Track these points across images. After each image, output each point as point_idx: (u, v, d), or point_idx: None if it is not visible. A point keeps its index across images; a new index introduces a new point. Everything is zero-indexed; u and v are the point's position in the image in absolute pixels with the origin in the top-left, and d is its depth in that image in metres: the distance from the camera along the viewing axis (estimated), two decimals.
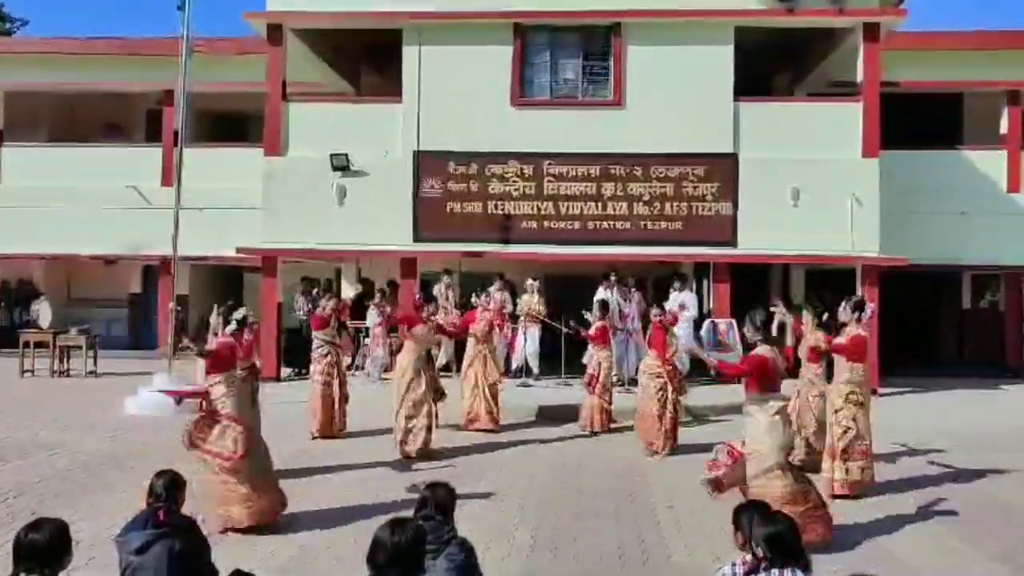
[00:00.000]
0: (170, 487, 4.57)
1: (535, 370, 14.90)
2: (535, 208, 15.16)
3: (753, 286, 16.16)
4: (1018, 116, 17.31)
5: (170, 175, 16.25)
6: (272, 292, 15.25)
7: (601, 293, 14.36)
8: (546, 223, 15.15)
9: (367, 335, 15.29)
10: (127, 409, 11.99)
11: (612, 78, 15.29)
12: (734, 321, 13.87)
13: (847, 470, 8.04)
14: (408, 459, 9.33)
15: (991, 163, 17.16)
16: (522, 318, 14.96)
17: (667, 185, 15.03)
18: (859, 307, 8.35)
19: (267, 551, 6.33)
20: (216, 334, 7.86)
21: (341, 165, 15.17)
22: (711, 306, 15.41)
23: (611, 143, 14.99)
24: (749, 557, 3.85)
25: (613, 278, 14.88)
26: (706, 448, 9.23)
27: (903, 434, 10.51)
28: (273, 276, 15.43)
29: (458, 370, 13.31)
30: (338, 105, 16.74)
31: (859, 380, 8.18)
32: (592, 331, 11.42)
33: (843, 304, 8.45)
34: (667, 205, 15.04)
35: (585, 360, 11.89)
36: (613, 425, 11.25)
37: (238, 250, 15.65)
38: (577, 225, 15.11)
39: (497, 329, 12.79)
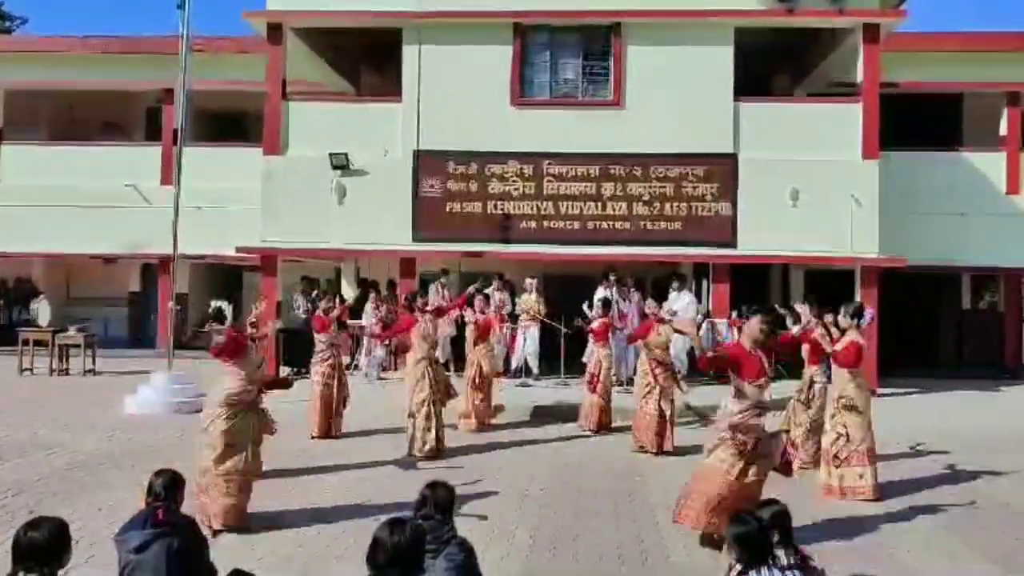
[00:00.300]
0: (169, 486, 4.57)
1: (535, 370, 14.91)
2: (535, 208, 15.16)
3: (752, 287, 16.17)
4: (1018, 117, 17.31)
5: (169, 174, 16.26)
6: (271, 291, 15.24)
7: (601, 293, 14.38)
8: (546, 223, 15.15)
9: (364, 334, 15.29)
10: (126, 408, 11.98)
11: (612, 78, 15.29)
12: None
13: (841, 476, 8.06)
14: (413, 459, 9.34)
15: (991, 164, 17.15)
16: (522, 318, 14.97)
17: (667, 185, 15.04)
18: (858, 313, 8.37)
19: (266, 550, 6.33)
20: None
21: (341, 164, 15.17)
22: (710, 306, 15.41)
23: (611, 143, 14.99)
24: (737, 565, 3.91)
25: (612, 278, 14.90)
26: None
27: (902, 435, 10.52)
28: (272, 275, 15.42)
29: (457, 370, 13.34)
30: (338, 104, 16.73)
31: (854, 385, 8.18)
32: (595, 325, 11.42)
33: (842, 310, 8.47)
34: (667, 205, 15.04)
35: (586, 359, 11.90)
36: (612, 425, 11.25)
37: (237, 249, 15.65)
38: (577, 225, 15.11)
39: (496, 329, 12.80)
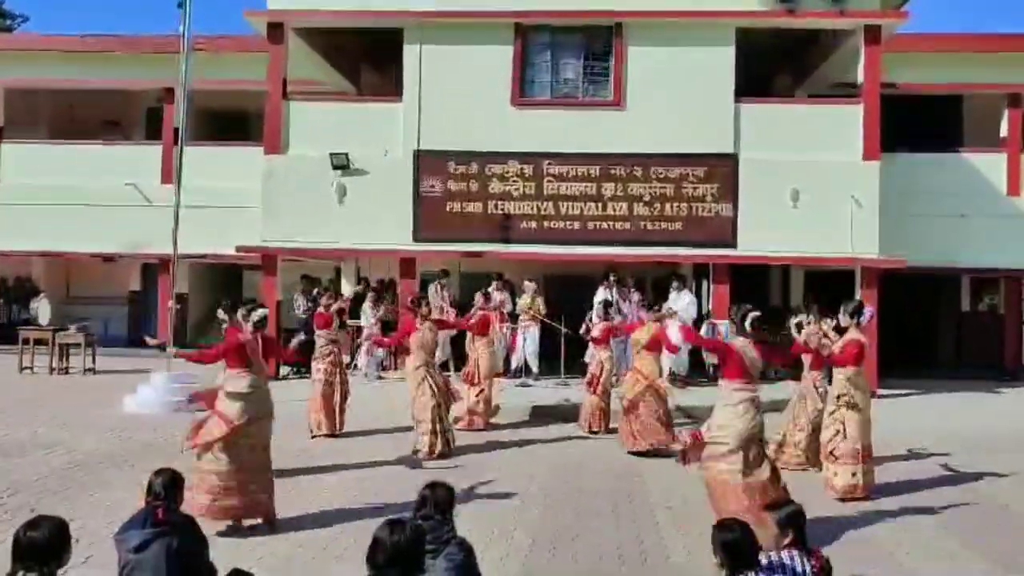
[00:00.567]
0: (169, 485, 4.57)
1: (535, 370, 14.91)
2: (535, 208, 15.16)
3: (752, 287, 16.16)
4: (1018, 119, 17.29)
5: (170, 173, 16.25)
6: (271, 291, 15.24)
7: (601, 293, 14.39)
8: (546, 223, 15.15)
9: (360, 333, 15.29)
10: (126, 407, 11.98)
11: (613, 78, 15.28)
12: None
13: (836, 473, 8.07)
14: (417, 458, 9.37)
15: (991, 165, 17.14)
16: (522, 318, 14.97)
17: (667, 186, 15.03)
18: (857, 311, 8.37)
19: (266, 550, 6.33)
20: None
21: (341, 164, 15.17)
22: (710, 307, 15.41)
23: (611, 143, 14.98)
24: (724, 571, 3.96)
25: (612, 279, 14.89)
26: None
27: (902, 436, 10.50)
28: (273, 275, 15.43)
29: (458, 369, 13.35)
30: (338, 104, 16.73)
31: (854, 383, 8.19)
32: (597, 333, 11.41)
33: (841, 308, 8.48)
34: (667, 206, 15.03)
35: (587, 359, 11.90)
36: (612, 425, 11.24)
37: (238, 248, 15.65)
38: (577, 225, 15.10)
39: (497, 329, 12.81)
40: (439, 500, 4.37)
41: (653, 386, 10.17)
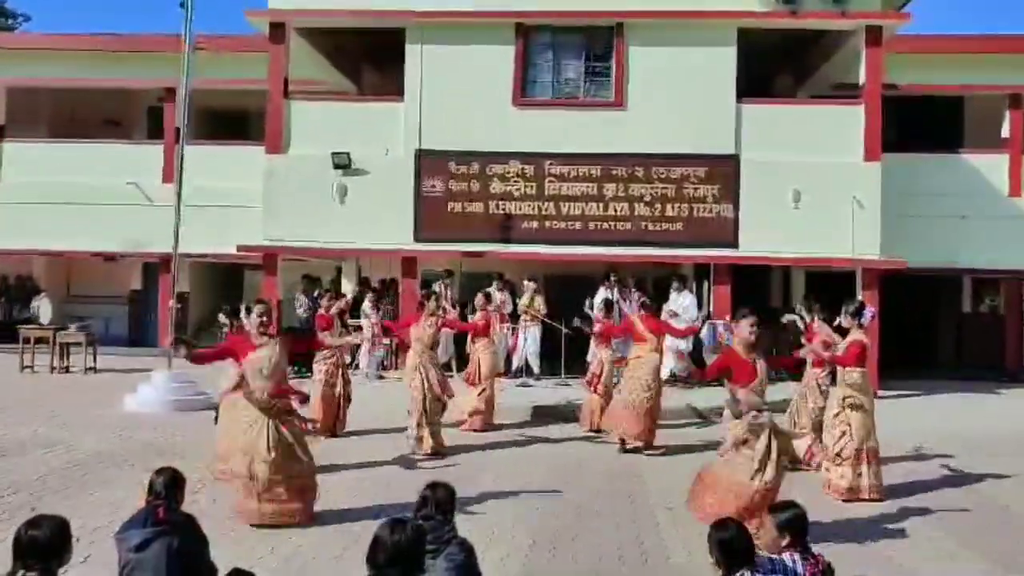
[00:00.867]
0: (170, 485, 4.57)
1: (536, 370, 14.91)
2: (536, 208, 15.16)
3: (753, 288, 16.16)
4: (1020, 120, 17.27)
5: (171, 172, 16.24)
6: (272, 290, 15.24)
7: (602, 294, 14.39)
8: (547, 223, 15.15)
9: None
10: (126, 406, 11.98)
11: (614, 79, 15.29)
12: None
13: (842, 475, 8.06)
14: (414, 457, 9.39)
15: (992, 167, 17.14)
16: (523, 318, 14.98)
17: (668, 186, 15.04)
18: (858, 312, 8.37)
19: (266, 549, 6.33)
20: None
21: (342, 164, 15.17)
22: (711, 308, 15.40)
23: (612, 144, 14.99)
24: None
25: (613, 279, 14.89)
26: (707, 448, 9.30)
27: (903, 437, 10.49)
28: (273, 274, 15.43)
29: (460, 369, 13.35)
30: (340, 103, 16.74)
31: (858, 384, 8.19)
32: (597, 328, 11.41)
33: (843, 309, 8.48)
34: (668, 206, 15.04)
35: (589, 359, 11.89)
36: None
37: (239, 248, 15.66)
38: (578, 225, 15.11)
39: (498, 329, 12.81)
40: (440, 500, 4.37)
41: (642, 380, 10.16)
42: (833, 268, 15.37)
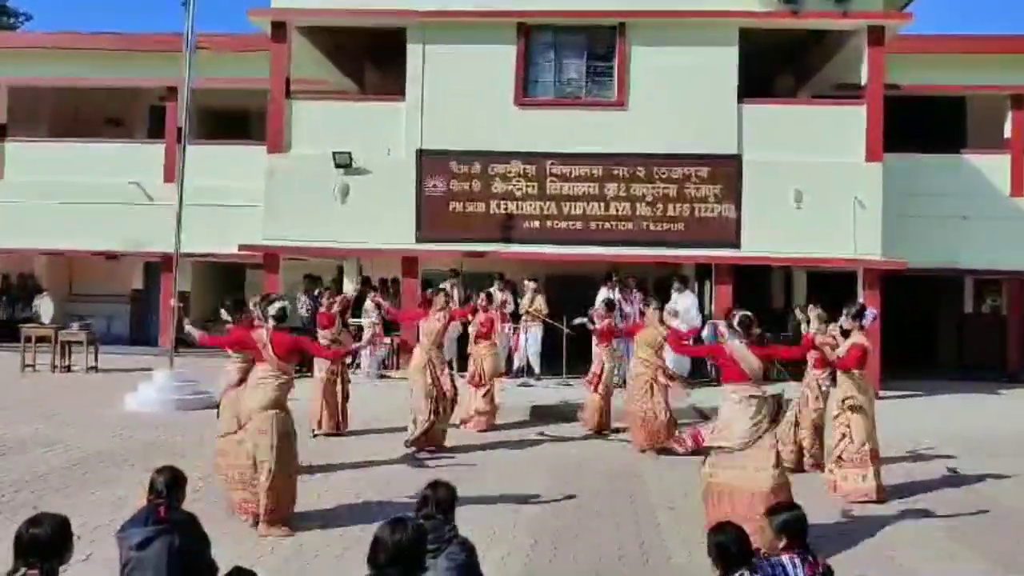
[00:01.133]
0: (171, 484, 4.57)
1: (537, 370, 14.91)
2: (538, 208, 15.16)
3: (755, 288, 16.15)
4: (1022, 120, 17.25)
5: (173, 171, 16.26)
6: (274, 289, 15.20)
7: (604, 294, 14.38)
8: (548, 223, 15.15)
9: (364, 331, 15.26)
10: (127, 405, 11.99)
11: (616, 78, 15.28)
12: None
13: (844, 477, 8.06)
14: (415, 452, 9.47)
15: (994, 167, 17.13)
16: (524, 318, 14.97)
17: (670, 186, 15.03)
18: (860, 313, 8.37)
19: (267, 548, 6.33)
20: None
21: (344, 163, 15.18)
22: (712, 307, 15.40)
23: (614, 144, 14.98)
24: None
25: (615, 279, 14.88)
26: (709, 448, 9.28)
27: (904, 437, 10.49)
28: (275, 273, 15.43)
29: (461, 369, 13.34)
30: (341, 103, 16.73)
31: (858, 385, 8.18)
32: (599, 325, 11.40)
33: (844, 311, 8.48)
34: (670, 206, 15.03)
35: (593, 359, 11.88)
36: (613, 425, 11.23)
37: (240, 247, 15.66)
38: (579, 225, 15.10)
39: (499, 327, 12.80)
40: (441, 500, 4.37)
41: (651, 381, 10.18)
42: (834, 268, 15.36)
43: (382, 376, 14.89)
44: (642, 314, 11.28)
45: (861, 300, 13.32)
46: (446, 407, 9.84)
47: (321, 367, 10.64)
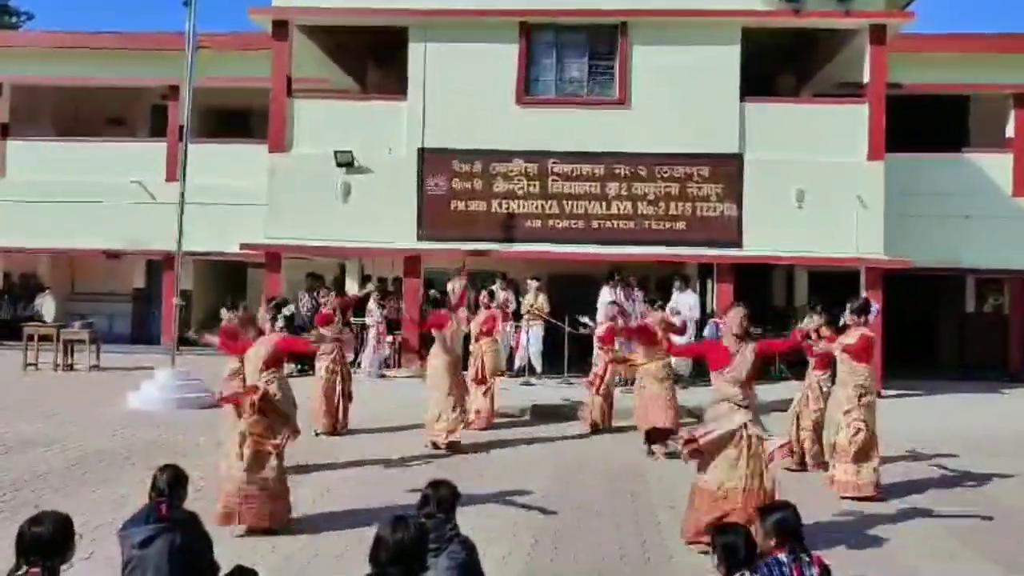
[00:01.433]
0: (173, 482, 4.58)
1: (538, 369, 14.91)
2: (539, 207, 15.17)
3: (757, 287, 16.14)
4: None
5: (175, 170, 16.24)
6: (275, 288, 15.24)
7: (606, 293, 14.36)
8: (550, 222, 15.15)
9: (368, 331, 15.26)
10: (130, 404, 12.00)
11: (617, 77, 15.28)
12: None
13: (858, 471, 8.00)
14: (436, 447, 9.63)
15: (996, 166, 17.13)
16: (526, 317, 14.97)
17: (672, 185, 15.02)
18: (864, 310, 8.35)
19: (268, 547, 6.34)
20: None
21: (345, 162, 15.19)
22: (714, 306, 15.40)
23: (616, 142, 14.98)
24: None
25: (617, 278, 14.88)
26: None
27: (905, 437, 10.49)
28: (276, 272, 15.45)
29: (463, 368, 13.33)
30: (343, 102, 16.75)
31: (867, 381, 8.18)
32: (602, 331, 11.39)
33: (847, 307, 8.46)
34: (672, 205, 15.03)
35: (594, 360, 11.86)
36: (615, 424, 11.23)
37: (242, 246, 15.68)
38: (581, 224, 15.10)
39: (500, 326, 12.80)
40: (442, 498, 4.37)
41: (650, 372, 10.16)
42: (836, 267, 15.35)
43: (382, 376, 14.89)
44: (643, 315, 11.24)
45: (864, 296, 13.30)
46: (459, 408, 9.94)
47: (321, 366, 10.65)
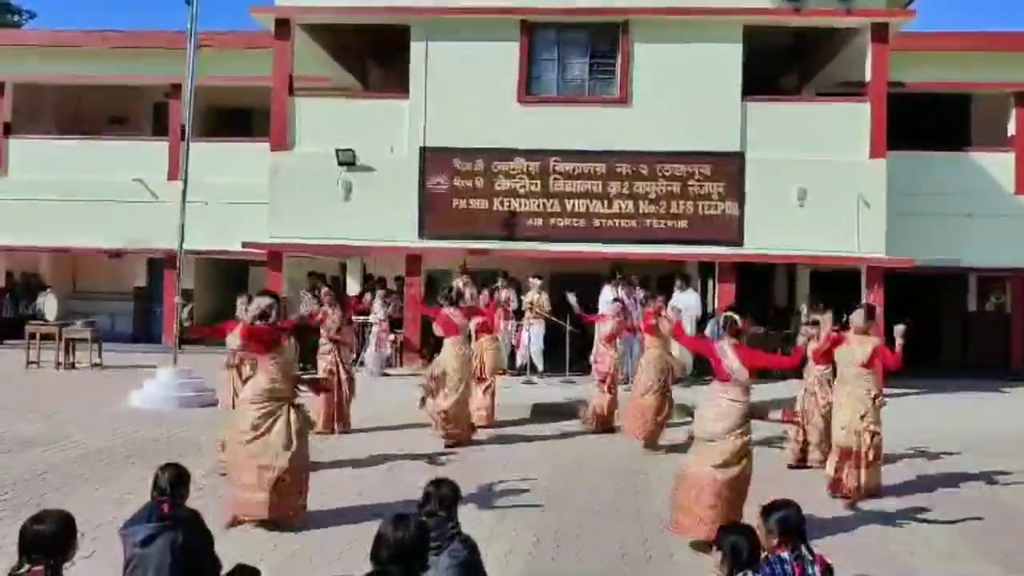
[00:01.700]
0: (175, 481, 4.58)
1: (540, 367, 14.92)
2: (541, 205, 15.16)
3: (758, 286, 16.13)
4: None
5: (176, 169, 16.28)
6: (277, 287, 15.24)
7: (608, 292, 14.37)
8: (552, 220, 15.15)
9: (370, 330, 15.26)
10: (131, 402, 12.02)
11: (619, 76, 15.27)
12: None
13: (870, 475, 7.95)
14: (449, 442, 9.78)
15: (998, 165, 17.12)
16: (527, 315, 14.97)
17: (673, 184, 15.02)
18: (872, 314, 8.41)
19: (270, 545, 6.35)
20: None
21: (347, 160, 15.19)
22: (715, 305, 15.40)
23: (617, 141, 14.98)
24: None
25: (619, 276, 14.88)
26: None
27: (906, 436, 10.47)
28: (278, 271, 15.46)
29: None
30: (345, 100, 16.74)
31: (877, 384, 8.16)
32: (608, 328, 11.38)
33: (856, 311, 8.45)
34: (673, 204, 15.02)
35: (593, 357, 11.86)
36: (616, 424, 11.22)
37: (244, 245, 15.70)
38: (583, 223, 15.10)
39: (500, 325, 12.81)
40: (443, 497, 4.37)
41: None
42: (838, 266, 15.34)
43: (385, 374, 14.89)
44: (647, 313, 11.25)
45: (865, 300, 13.30)
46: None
47: (321, 365, 10.67)
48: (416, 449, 9.60)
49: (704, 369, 14.57)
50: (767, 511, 4.24)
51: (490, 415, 11.32)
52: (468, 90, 15.18)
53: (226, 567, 4.32)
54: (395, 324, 15.57)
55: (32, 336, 15.44)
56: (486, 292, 12.42)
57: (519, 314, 15.17)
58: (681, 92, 14.98)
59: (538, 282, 15.35)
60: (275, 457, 6.72)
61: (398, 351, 15.60)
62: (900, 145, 15.23)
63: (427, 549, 3.68)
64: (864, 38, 15.03)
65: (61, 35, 19.32)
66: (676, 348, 11.48)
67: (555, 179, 15.14)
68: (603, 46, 15.41)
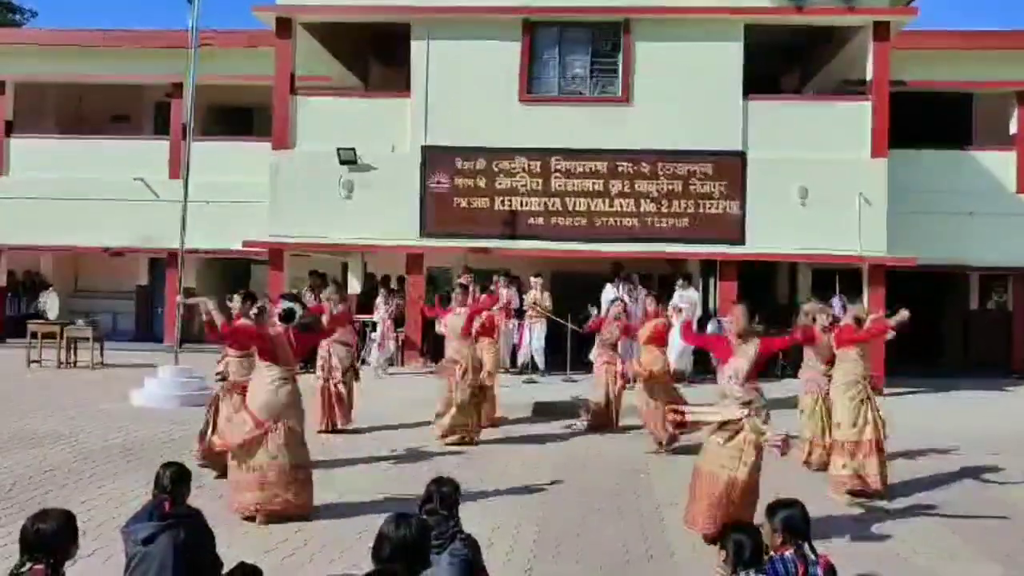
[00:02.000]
0: (176, 479, 4.60)
1: (541, 366, 14.91)
2: (542, 204, 15.16)
3: (760, 285, 16.12)
4: None
5: (178, 167, 16.29)
6: (278, 285, 15.25)
7: (610, 291, 14.36)
8: (553, 219, 15.15)
9: (374, 329, 15.26)
10: (133, 401, 12.03)
11: (620, 75, 15.26)
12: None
13: (883, 463, 7.96)
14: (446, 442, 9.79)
15: (1000, 163, 17.10)
16: (528, 314, 14.97)
17: (675, 183, 15.01)
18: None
19: (271, 544, 6.35)
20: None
21: (348, 159, 15.19)
22: (717, 304, 15.39)
23: (619, 140, 14.98)
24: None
25: (620, 275, 14.87)
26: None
27: (907, 435, 10.44)
28: (279, 269, 15.47)
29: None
30: (346, 99, 16.69)
31: (866, 371, 8.27)
32: (616, 331, 11.36)
33: (862, 308, 8.51)
34: (674, 203, 15.02)
35: (592, 357, 11.84)
36: (617, 423, 11.21)
37: (245, 243, 15.70)
38: (584, 222, 15.10)
39: (501, 325, 12.80)
40: (445, 495, 4.37)
41: (654, 376, 10.19)
42: (839, 265, 15.33)
43: (389, 373, 14.88)
44: (647, 313, 11.22)
45: (865, 299, 13.32)
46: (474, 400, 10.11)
47: (318, 366, 10.68)
48: (417, 448, 9.60)
49: (704, 369, 14.65)
50: (772, 510, 4.24)
51: (491, 415, 11.31)
52: (469, 89, 15.18)
53: (227, 565, 4.32)
54: (396, 323, 15.56)
55: (34, 335, 15.46)
56: (484, 296, 12.34)
57: (520, 313, 15.16)
58: (682, 91, 14.97)
59: (539, 281, 15.34)
60: (271, 457, 6.84)
61: (400, 349, 15.59)
62: (901, 144, 15.22)
63: (428, 547, 3.68)
64: (865, 36, 15.02)
65: (62, 34, 19.33)
66: (675, 352, 11.50)
67: (556, 178, 15.13)
68: (604, 45, 15.41)
